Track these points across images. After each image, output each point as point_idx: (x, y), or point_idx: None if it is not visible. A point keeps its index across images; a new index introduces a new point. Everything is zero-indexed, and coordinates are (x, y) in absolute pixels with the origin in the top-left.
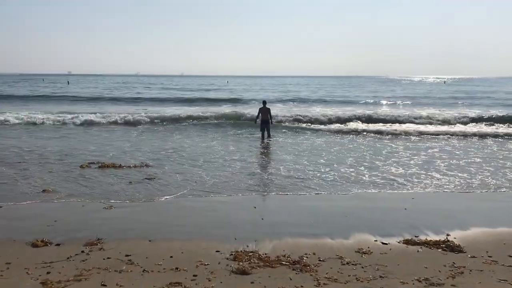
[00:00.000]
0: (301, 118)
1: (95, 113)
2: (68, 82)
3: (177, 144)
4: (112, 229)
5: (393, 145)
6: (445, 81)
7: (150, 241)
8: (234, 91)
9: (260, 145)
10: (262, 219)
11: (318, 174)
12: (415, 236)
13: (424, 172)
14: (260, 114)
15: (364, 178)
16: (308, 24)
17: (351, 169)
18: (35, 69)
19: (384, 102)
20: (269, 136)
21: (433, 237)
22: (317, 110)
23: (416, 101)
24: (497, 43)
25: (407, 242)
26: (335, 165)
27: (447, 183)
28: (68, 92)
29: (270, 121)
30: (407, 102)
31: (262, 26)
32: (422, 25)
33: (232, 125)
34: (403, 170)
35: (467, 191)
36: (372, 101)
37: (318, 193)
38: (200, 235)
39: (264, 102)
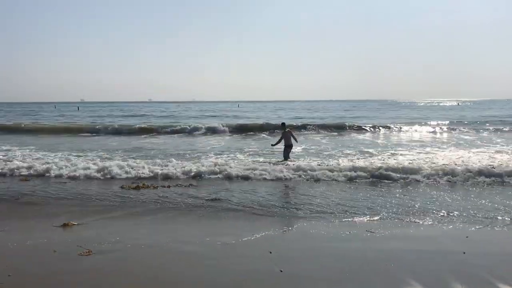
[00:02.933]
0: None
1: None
2: (78, 108)
3: None
4: None
5: None
6: (458, 104)
7: None
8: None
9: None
10: (281, 271)
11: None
12: None
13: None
14: (283, 140)
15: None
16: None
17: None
18: (49, 97)
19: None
20: (287, 158)
21: None
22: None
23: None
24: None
25: None
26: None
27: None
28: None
29: (295, 142)
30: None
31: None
32: (421, 47)
33: None
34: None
35: None
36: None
37: (348, 232)
38: None
39: (283, 125)
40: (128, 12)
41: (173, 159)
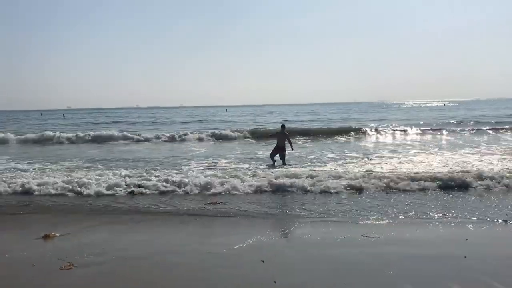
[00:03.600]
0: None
1: None
2: (63, 115)
3: None
4: None
5: None
6: (444, 104)
7: None
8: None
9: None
10: (275, 282)
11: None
12: None
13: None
14: (277, 138)
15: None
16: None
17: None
18: (35, 105)
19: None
20: (284, 164)
21: None
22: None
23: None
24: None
25: None
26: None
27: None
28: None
29: (289, 147)
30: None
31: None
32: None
33: None
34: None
35: None
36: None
37: (342, 237)
38: None
39: (283, 127)
40: (114, 16)
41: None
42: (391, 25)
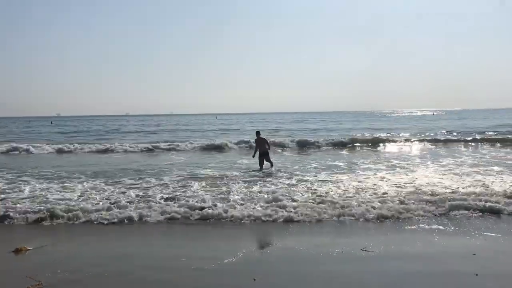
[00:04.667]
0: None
1: None
2: (51, 122)
3: None
4: None
5: None
6: (433, 113)
7: None
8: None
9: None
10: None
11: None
12: None
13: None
14: (257, 147)
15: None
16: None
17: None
18: (23, 112)
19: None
20: (271, 166)
21: None
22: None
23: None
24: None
25: None
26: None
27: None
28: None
29: (268, 151)
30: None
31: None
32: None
33: None
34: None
35: None
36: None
37: (340, 251)
38: None
39: (258, 133)
40: (105, 25)
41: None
42: (384, 33)
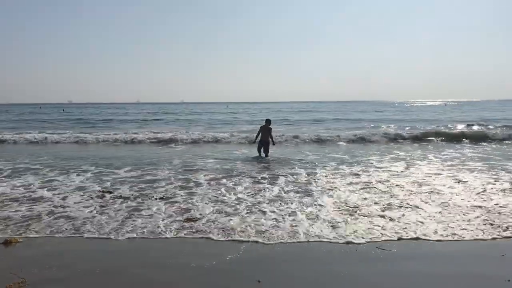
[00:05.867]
0: None
1: None
2: (63, 110)
3: None
4: None
5: None
6: (445, 104)
7: None
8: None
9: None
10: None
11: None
12: None
13: None
14: (260, 134)
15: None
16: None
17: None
18: (37, 99)
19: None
20: (266, 156)
21: None
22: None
23: None
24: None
25: None
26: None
27: None
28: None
29: (271, 142)
30: None
31: (259, 53)
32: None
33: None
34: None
35: None
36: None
37: (355, 250)
38: None
39: (268, 121)
40: (118, 13)
41: None
42: (391, 24)
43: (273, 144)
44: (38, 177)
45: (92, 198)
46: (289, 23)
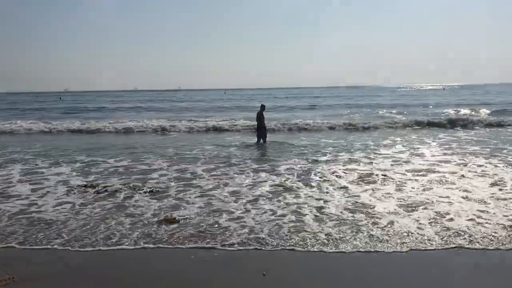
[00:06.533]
0: None
1: None
2: (60, 98)
3: None
4: None
5: None
6: (443, 88)
7: None
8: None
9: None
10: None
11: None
12: None
13: None
14: (260, 119)
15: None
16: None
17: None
18: (34, 87)
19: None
20: (264, 142)
21: None
22: None
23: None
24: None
25: None
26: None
27: None
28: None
29: (265, 126)
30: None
31: (257, 37)
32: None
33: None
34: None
35: None
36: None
37: (366, 249)
38: None
39: (263, 107)
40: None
41: None
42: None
43: (264, 127)
44: (24, 167)
45: (74, 193)
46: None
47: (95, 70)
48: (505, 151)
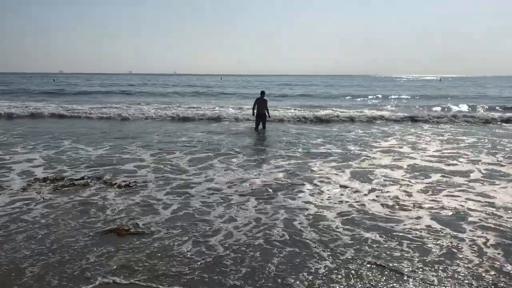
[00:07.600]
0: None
1: None
2: (53, 79)
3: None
4: None
5: None
6: (439, 79)
7: None
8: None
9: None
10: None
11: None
12: None
13: None
14: (256, 106)
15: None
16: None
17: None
18: (26, 68)
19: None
20: (264, 127)
21: None
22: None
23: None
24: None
25: None
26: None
27: None
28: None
29: (267, 115)
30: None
31: (253, 26)
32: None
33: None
34: None
35: None
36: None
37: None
38: None
39: (262, 93)
40: None
41: None
42: None
43: (269, 117)
44: None
45: (30, 188)
46: None
47: (89, 53)
48: None
